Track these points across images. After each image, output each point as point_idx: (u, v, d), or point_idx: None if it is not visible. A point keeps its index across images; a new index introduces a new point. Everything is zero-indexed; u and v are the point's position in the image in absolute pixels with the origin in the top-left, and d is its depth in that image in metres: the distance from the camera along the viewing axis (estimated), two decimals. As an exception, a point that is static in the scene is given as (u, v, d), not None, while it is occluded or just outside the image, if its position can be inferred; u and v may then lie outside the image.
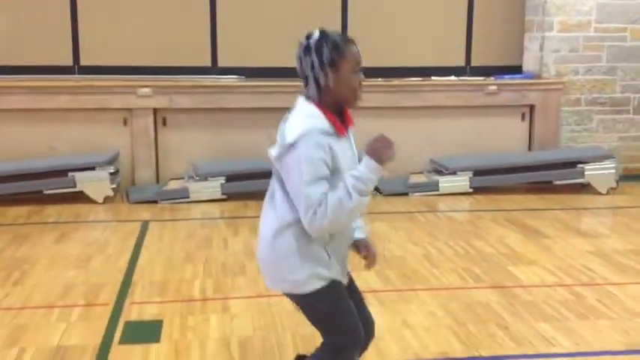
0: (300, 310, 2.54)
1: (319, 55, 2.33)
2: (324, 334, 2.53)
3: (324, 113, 2.36)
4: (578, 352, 3.29)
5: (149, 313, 3.80)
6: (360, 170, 2.30)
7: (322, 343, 2.57)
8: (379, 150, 2.31)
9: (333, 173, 2.33)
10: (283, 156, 2.35)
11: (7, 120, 6.48)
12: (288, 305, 3.80)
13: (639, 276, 4.35)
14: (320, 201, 2.27)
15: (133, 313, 3.80)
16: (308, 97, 2.40)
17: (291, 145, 2.31)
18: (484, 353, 3.28)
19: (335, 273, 2.45)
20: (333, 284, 2.44)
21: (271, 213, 2.46)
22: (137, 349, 3.35)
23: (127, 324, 3.65)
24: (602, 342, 3.39)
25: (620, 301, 3.91)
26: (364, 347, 2.60)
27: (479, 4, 7.34)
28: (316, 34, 2.37)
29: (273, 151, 2.43)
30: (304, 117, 2.36)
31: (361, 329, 2.50)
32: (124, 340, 3.45)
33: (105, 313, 3.78)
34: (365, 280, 4.23)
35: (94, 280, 4.29)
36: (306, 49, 2.36)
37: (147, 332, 3.55)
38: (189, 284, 4.23)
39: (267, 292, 4.08)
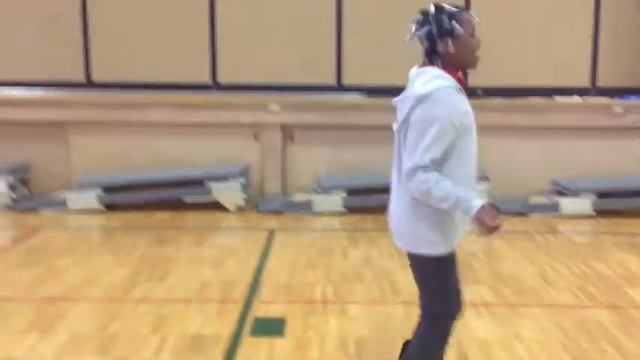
0: (416, 271, 2.78)
1: (439, 24, 2.58)
2: (427, 298, 2.77)
3: (448, 72, 2.61)
4: (690, 373, 3.31)
5: (275, 311, 4.16)
6: (468, 201, 2.49)
7: (420, 322, 2.82)
8: (488, 221, 2.47)
9: (463, 132, 2.56)
10: (412, 111, 2.57)
11: (150, 132, 7.15)
12: (402, 312, 4.08)
13: None
14: (428, 167, 2.51)
15: (260, 310, 4.17)
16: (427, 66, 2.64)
17: (423, 98, 2.54)
18: (593, 368, 3.36)
19: (455, 243, 2.70)
20: (451, 255, 2.70)
21: (402, 187, 2.69)
22: (264, 341, 3.70)
23: (256, 319, 4.02)
24: None
25: None
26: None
27: (605, 22, 7.27)
28: (432, 8, 2.61)
29: (399, 116, 2.67)
30: (433, 76, 2.58)
31: (459, 302, 2.76)
32: (253, 333, 3.82)
33: (236, 308, 4.17)
34: (479, 294, 4.41)
35: (227, 279, 4.71)
36: (424, 22, 2.61)
37: (273, 328, 3.89)
38: (311, 288, 4.56)
39: (382, 299, 4.37)
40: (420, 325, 2.84)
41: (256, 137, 7.20)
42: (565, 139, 7.02)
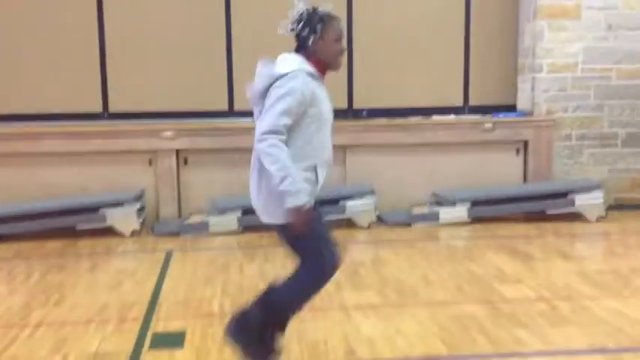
0: (289, 242, 3.11)
1: (309, 24, 3.01)
2: (308, 257, 3.11)
3: (310, 62, 3.03)
4: (545, 351, 3.77)
5: (174, 325, 4.32)
6: (296, 185, 2.90)
7: (297, 271, 3.17)
8: (299, 222, 2.95)
9: (314, 111, 2.98)
10: (271, 86, 2.97)
11: (43, 162, 7.13)
12: (295, 318, 4.34)
13: (612, 291, 4.81)
14: (281, 131, 2.90)
15: (159, 326, 4.33)
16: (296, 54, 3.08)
17: (282, 76, 2.94)
18: (464, 353, 3.76)
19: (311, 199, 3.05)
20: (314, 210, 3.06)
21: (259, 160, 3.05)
22: (164, 353, 3.87)
23: (155, 334, 4.18)
24: (568, 343, 3.87)
25: (592, 312, 4.37)
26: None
27: (475, 48, 7.93)
28: (306, 8, 3.04)
29: (258, 86, 3.04)
30: (294, 61, 3.01)
31: (338, 255, 3.14)
32: (152, 347, 3.97)
33: (135, 326, 4.31)
34: (366, 297, 4.76)
35: (125, 300, 4.83)
36: (298, 20, 3.03)
37: (172, 341, 4.06)
38: (209, 302, 4.76)
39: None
40: (298, 274, 3.17)
41: (151, 163, 7.32)
42: (443, 154, 7.58)
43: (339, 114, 8.04)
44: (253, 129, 3.19)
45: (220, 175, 7.38)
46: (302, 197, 2.92)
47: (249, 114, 7.41)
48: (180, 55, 7.63)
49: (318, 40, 3.02)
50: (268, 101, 2.98)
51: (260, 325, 3.22)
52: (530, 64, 7.66)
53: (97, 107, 7.60)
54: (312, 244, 3.10)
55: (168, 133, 7.26)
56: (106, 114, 7.62)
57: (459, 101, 7.99)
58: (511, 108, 7.94)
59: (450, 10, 7.89)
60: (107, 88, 7.59)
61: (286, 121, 2.93)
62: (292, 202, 2.92)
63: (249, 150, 7.71)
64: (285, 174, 2.90)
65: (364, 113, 7.69)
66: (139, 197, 6.99)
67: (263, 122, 2.96)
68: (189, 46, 7.61)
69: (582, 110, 7.61)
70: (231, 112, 7.73)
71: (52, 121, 7.38)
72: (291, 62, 3.02)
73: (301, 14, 3.04)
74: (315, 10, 3.07)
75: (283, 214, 3.01)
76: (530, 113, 7.68)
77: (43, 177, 7.13)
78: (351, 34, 7.73)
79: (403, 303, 4.65)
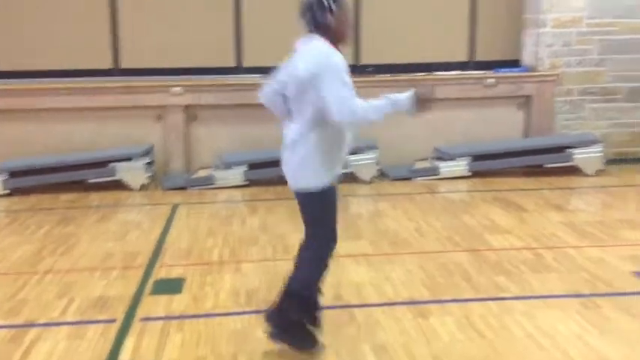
0: (304, 207, 3.25)
1: (324, 6, 3.14)
2: (315, 227, 3.26)
3: (326, 39, 3.16)
4: (522, 295, 3.95)
5: (175, 272, 4.57)
6: (398, 98, 3.10)
7: (305, 244, 3.32)
8: (423, 98, 3.15)
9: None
10: (318, 71, 3.06)
11: (55, 118, 7.34)
12: (291, 266, 4.55)
13: (598, 241, 4.96)
14: (353, 97, 3.02)
15: (161, 273, 4.57)
16: (313, 35, 3.18)
17: (325, 61, 3.05)
18: (445, 297, 3.95)
19: (336, 175, 3.22)
20: (333, 185, 3.22)
21: (297, 125, 3.20)
22: (163, 298, 4.11)
23: (156, 281, 4.42)
24: (546, 289, 4.05)
25: (574, 260, 4.54)
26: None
27: (481, 3, 7.92)
28: None
29: (300, 72, 3.13)
30: (325, 46, 3.13)
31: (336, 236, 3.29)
32: (153, 292, 4.22)
33: (138, 273, 4.56)
34: (359, 247, 4.96)
35: (130, 249, 5.07)
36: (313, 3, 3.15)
37: (172, 287, 4.31)
38: (209, 252, 4.99)
39: (274, 257, 4.84)
40: (307, 247, 3.32)
41: (159, 118, 7.51)
42: (447, 110, 7.65)
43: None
44: (260, 85, 3.38)
45: (228, 131, 7.55)
46: (404, 97, 3.11)
47: (256, 70, 7.68)
48: (189, 11, 7.73)
49: (334, 20, 3.14)
50: (326, 85, 3.04)
51: (298, 315, 3.38)
52: (534, 19, 7.66)
53: (108, 63, 7.76)
54: (323, 220, 3.25)
55: (177, 89, 7.42)
56: (116, 70, 7.78)
57: (464, 57, 8.03)
58: (516, 63, 7.97)
59: (455, -36, 7.89)
60: (118, 45, 7.74)
61: (350, 89, 3.04)
62: (406, 107, 3.11)
63: (256, 106, 7.79)
64: (382, 111, 3.08)
65: (370, 69, 7.78)
66: (147, 152, 7.20)
67: (338, 104, 3.02)
68: (198, 2, 7.71)
69: (585, 65, 7.63)
70: (239, 69, 7.85)
71: (65, 77, 7.55)
72: (320, 45, 3.13)
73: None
74: None
75: (306, 184, 3.19)
76: (533, 68, 7.72)
77: (54, 132, 7.34)
78: (359, -6, 7.79)
79: (394, 252, 4.84)
